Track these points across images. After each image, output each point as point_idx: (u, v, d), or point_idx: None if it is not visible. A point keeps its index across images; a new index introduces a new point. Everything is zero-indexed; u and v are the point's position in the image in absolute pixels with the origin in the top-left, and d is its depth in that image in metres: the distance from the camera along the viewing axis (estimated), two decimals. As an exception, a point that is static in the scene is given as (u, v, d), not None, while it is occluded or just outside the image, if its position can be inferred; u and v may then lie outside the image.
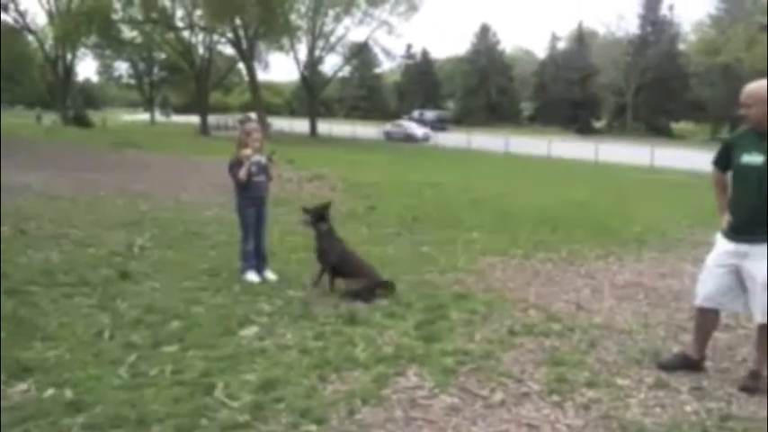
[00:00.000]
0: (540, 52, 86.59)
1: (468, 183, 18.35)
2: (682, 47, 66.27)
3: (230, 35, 44.31)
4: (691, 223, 11.59)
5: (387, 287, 6.25)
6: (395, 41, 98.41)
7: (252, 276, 6.59)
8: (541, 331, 5.49)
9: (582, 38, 73.54)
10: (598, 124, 71.06)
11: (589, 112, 70.77)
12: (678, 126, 66.82)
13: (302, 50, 51.03)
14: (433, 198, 14.35)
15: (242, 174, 6.36)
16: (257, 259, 6.73)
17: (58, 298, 5.55)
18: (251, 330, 5.09)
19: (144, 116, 76.90)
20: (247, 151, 6.39)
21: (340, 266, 6.29)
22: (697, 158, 29.89)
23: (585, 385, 4.33)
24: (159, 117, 75.00)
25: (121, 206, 10.62)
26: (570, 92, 69.77)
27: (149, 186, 13.32)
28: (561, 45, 78.49)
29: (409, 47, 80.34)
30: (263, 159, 6.61)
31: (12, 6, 48.89)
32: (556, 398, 4.12)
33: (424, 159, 31.04)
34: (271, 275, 6.74)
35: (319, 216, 6.49)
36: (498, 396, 4.14)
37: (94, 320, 5.07)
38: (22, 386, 3.86)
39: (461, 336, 5.28)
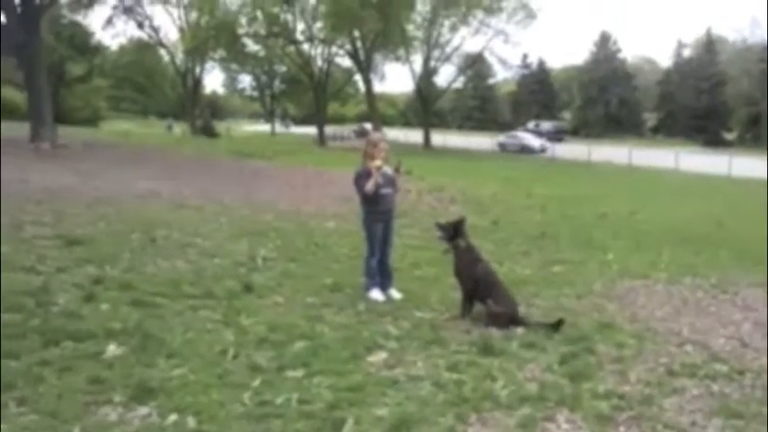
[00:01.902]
0: (663, 61, 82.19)
1: (594, 197, 17.38)
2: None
3: (348, 47, 44.99)
4: None
5: (555, 328, 5.57)
6: (511, 51, 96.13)
7: (376, 294, 6.25)
8: (706, 373, 4.82)
9: (711, 44, 69.05)
10: (729, 136, 66.29)
11: (718, 123, 66.23)
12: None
13: (417, 61, 51.14)
14: (558, 213, 13.59)
15: (369, 186, 6.03)
16: (381, 276, 6.38)
17: (184, 311, 5.43)
18: (379, 356, 4.73)
19: (265, 127, 79.72)
20: (377, 162, 6.05)
21: (478, 288, 5.80)
22: None
23: (773, 446, 3.64)
24: (279, 128, 77.44)
25: (245, 216, 10.66)
26: (698, 101, 65.62)
27: (271, 196, 13.42)
28: (687, 52, 74.04)
29: (525, 56, 78.74)
30: (389, 171, 6.28)
31: (146, 23, 51.99)
32: (740, 461, 3.47)
33: (542, 171, 29.98)
34: (395, 294, 6.38)
35: (455, 231, 6.03)
36: (669, 454, 3.53)
37: (219, 337, 4.87)
38: (144, 410, 3.64)
39: (613, 374, 4.69)
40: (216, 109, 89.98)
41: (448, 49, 50.82)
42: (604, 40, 74.65)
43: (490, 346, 5.02)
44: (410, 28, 43.95)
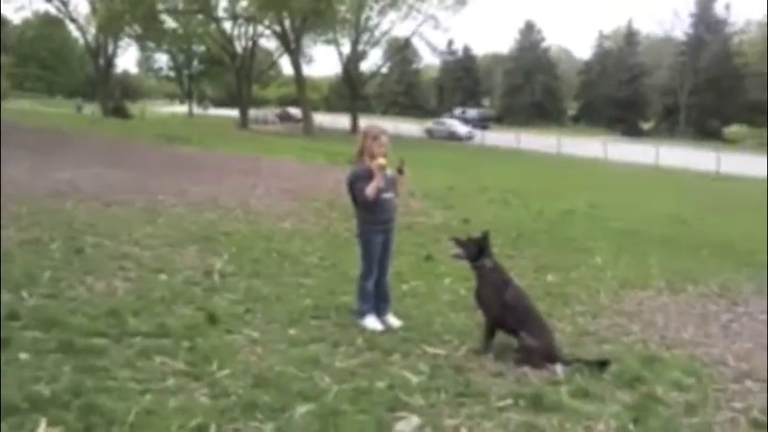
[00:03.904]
0: (580, 52, 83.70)
1: (548, 189, 16.76)
2: (747, 47, 62.79)
3: (277, 27, 42.89)
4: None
5: (600, 367, 4.56)
6: (440, 36, 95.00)
7: (373, 323, 5.08)
8: (796, 424, 3.97)
9: (631, 36, 70.82)
10: (645, 126, 68.37)
11: (636, 114, 68.16)
12: (731, 130, 63.65)
13: (345, 44, 49.67)
14: (522, 208, 12.76)
15: (370, 189, 4.83)
16: (377, 298, 5.22)
17: (133, 358, 4.06)
18: (410, 422, 3.57)
19: (182, 108, 76.16)
20: (381, 161, 4.86)
21: (507, 317, 4.72)
22: (759, 164, 27.79)
23: None
24: (197, 110, 74.10)
25: (184, 215, 9.13)
26: (618, 91, 67.24)
27: (208, 189, 11.88)
28: (607, 44, 75.64)
29: (450, 42, 78.23)
30: (390, 171, 5.10)
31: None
32: None
33: (481, 160, 29.37)
34: (394, 321, 5.24)
35: (480, 249, 4.90)
36: None
37: (189, 402, 3.56)
38: None
39: (699, 434, 3.75)
40: (128, 89, 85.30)
41: (377, 33, 49.57)
42: (529, 28, 75.26)
43: (539, 397, 3.97)
44: (342, 9, 42.27)
